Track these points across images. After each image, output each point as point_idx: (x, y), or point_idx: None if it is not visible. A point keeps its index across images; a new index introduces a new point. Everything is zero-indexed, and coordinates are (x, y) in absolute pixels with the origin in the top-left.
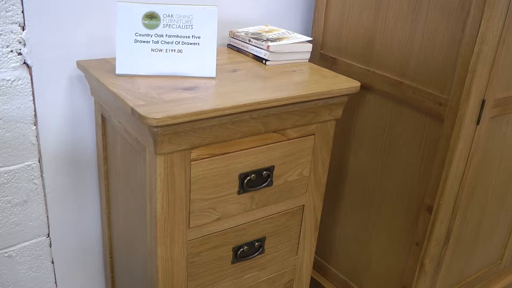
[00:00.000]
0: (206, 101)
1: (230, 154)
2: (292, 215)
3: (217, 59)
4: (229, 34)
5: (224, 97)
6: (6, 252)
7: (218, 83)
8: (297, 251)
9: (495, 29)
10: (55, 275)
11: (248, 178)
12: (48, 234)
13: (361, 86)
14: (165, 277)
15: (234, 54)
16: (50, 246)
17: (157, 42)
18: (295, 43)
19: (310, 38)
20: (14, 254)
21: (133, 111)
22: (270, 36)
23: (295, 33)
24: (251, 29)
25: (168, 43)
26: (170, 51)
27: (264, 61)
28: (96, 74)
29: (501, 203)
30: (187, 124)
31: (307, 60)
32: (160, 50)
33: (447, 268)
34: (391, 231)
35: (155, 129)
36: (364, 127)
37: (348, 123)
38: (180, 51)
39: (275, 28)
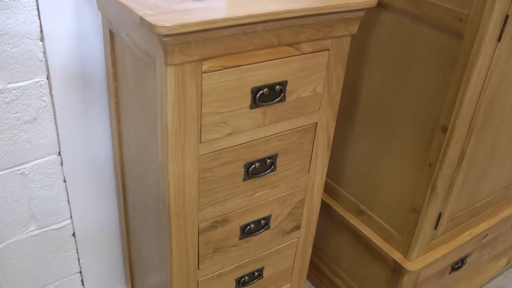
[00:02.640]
0: (218, 11)
1: (242, 67)
2: (304, 133)
3: None
4: None
5: (236, 7)
6: (19, 170)
7: None
8: (309, 170)
9: None
10: (67, 193)
11: (261, 92)
12: (59, 153)
13: (378, 4)
14: (176, 193)
15: None
16: (62, 165)
17: None
18: None
19: None
20: (26, 172)
21: (142, 20)
22: None
23: None
24: None
25: None
26: None
27: None
28: None
29: None
30: (198, 33)
31: None
32: None
33: (458, 191)
34: (404, 153)
35: (165, 39)
36: (379, 47)
37: (363, 43)
38: None
39: None
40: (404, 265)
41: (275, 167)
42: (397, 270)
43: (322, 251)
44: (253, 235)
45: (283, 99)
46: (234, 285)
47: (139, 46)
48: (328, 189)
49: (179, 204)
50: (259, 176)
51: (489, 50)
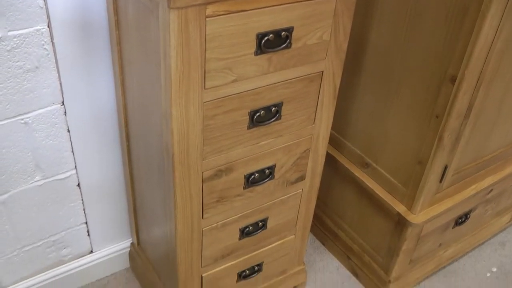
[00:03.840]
0: None
1: (247, 11)
2: (310, 81)
3: None
4: None
5: None
6: (23, 119)
7: None
8: (314, 120)
9: None
10: (71, 143)
11: (266, 38)
12: (63, 102)
13: None
14: (180, 140)
15: None
16: (65, 115)
17: None
18: None
19: None
20: (30, 121)
21: None
22: None
23: None
24: None
25: None
26: None
27: None
28: None
29: None
30: None
31: None
32: None
33: (465, 144)
34: (411, 105)
35: None
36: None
37: None
38: None
39: None
40: (408, 218)
41: (280, 116)
42: (401, 223)
43: (325, 204)
44: (257, 185)
45: (288, 46)
46: (238, 235)
47: None
48: (333, 141)
49: (182, 151)
50: (264, 125)
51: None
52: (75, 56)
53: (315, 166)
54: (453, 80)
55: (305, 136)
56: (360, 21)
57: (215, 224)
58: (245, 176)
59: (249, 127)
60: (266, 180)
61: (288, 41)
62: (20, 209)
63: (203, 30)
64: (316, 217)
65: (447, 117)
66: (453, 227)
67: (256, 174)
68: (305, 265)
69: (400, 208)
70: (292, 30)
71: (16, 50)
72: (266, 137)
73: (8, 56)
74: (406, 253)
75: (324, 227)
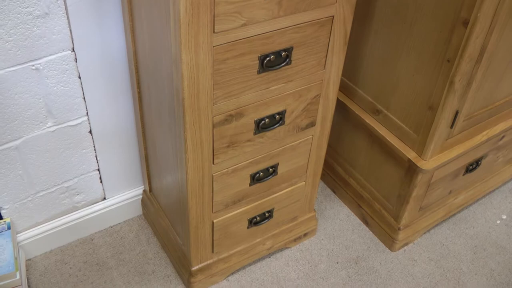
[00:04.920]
0: None
1: None
2: (321, 26)
3: None
4: None
5: None
6: (34, 65)
7: None
8: (324, 65)
9: None
10: (82, 90)
11: None
12: (73, 49)
13: None
14: (190, 84)
15: None
16: (76, 61)
17: None
18: None
19: None
20: (41, 67)
21: None
22: None
23: None
24: None
25: None
26: None
27: None
28: None
29: None
30: None
31: None
32: None
33: (476, 89)
34: (422, 50)
35: None
36: None
37: None
38: None
39: None
40: (418, 164)
41: (290, 60)
42: (411, 170)
43: (336, 152)
44: (268, 130)
45: None
46: (249, 181)
47: None
48: (344, 88)
49: (193, 96)
50: (274, 69)
51: None
52: (85, 2)
53: (326, 112)
54: (466, 23)
55: (316, 81)
56: None
57: (226, 170)
58: (255, 121)
59: (259, 72)
60: (276, 125)
61: None
62: (33, 155)
63: None
64: (327, 165)
65: (459, 61)
66: (464, 174)
67: (266, 120)
68: (315, 212)
69: (411, 154)
70: None
71: None
72: (276, 82)
73: (18, 2)
74: (416, 200)
75: (335, 175)
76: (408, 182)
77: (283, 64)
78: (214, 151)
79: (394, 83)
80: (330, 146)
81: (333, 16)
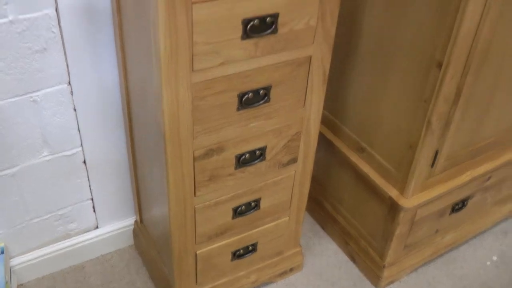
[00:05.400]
0: None
1: None
2: (299, 65)
3: None
4: None
5: None
6: (32, 97)
7: None
8: (304, 103)
9: None
10: (77, 121)
11: (252, 23)
12: (69, 82)
13: None
14: (171, 119)
15: None
16: (72, 94)
17: None
18: None
19: None
20: (38, 99)
21: None
22: None
23: None
24: None
25: None
26: None
27: None
28: None
29: None
30: None
31: None
32: None
33: (456, 129)
34: (401, 89)
35: None
36: None
37: None
38: None
39: None
40: (400, 202)
41: (269, 98)
42: (393, 207)
43: (324, 188)
44: (249, 165)
45: (275, 31)
46: (232, 214)
47: None
48: (330, 125)
49: (173, 130)
50: (253, 107)
51: None
52: (81, 39)
53: (308, 149)
54: (439, 65)
55: (296, 119)
56: (353, 3)
57: (208, 202)
58: (236, 156)
59: (238, 109)
60: (257, 161)
61: (273, 26)
62: (29, 182)
63: (190, 15)
64: (316, 201)
65: (435, 102)
66: (450, 214)
67: (247, 155)
68: (301, 248)
69: (393, 192)
70: (278, 16)
71: (25, 33)
72: (255, 119)
73: (19, 38)
74: (399, 238)
75: (324, 211)
76: (391, 220)
77: (261, 102)
78: (196, 184)
79: (377, 121)
80: (318, 182)
81: (310, 56)
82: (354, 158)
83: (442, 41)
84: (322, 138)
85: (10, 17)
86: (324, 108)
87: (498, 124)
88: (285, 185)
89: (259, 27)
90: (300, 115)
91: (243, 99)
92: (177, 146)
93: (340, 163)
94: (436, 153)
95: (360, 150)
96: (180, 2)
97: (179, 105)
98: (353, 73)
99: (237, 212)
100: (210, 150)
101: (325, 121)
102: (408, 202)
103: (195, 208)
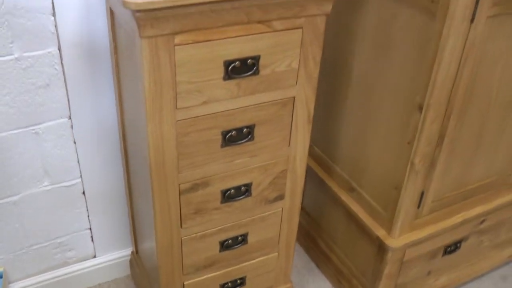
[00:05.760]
0: None
1: (213, 41)
2: (282, 106)
3: None
4: None
5: None
6: (34, 129)
7: None
8: (289, 142)
9: None
10: (77, 154)
11: (233, 65)
12: (70, 116)
13: None
14: (156, 154)
15: None
16: (72, 128)
17: None
18: None
19: None
20: (40, 132)
21: None
22: None
23: None
24: None
25: None
26: None
27: None
28: None
29: (506, 113)
30: (165, 10)
31: None
32: None
33: (442, 171)
34: (387, 131)
35: (137, 14)
36: (367, 27)
37: (353, 22)
38: None
39: None
40: (387, 242)
41: (252, 137)
42: (382, 247)
43: (320, 226)
44: (235, 201)
45: (256, 73)
46: (219, 247)
47: (127, 22)
48: (323, 164)
49: (159, 164)
50: (237, 144)
51: (461, 31)
52: (81, 76)
53: (295, 186)
54: (420, 108)
55: (281, 157)
56: (344, 48)
57: (194, 235)
58: (221, 191)
59: (222, 146)
60: (242, 196)
61: (255, 68)
62: (29, 210)
63: (173, 56)
64: (311, 238)
65: (417, 144)
66: (443, 255)
67: (232, 190)
68: (292, 284)
69: (380, 232)
70: (259, 58)
71: (30, 69)
72: (240, 156)
73: (23, 74)
74: (389, 278)
75: (318, 249)
76: (380, 259)
77: (245, 140)
78: (182, 216)
79: (365, 161)
80: (313, 219)
81: (294, 97)
82: (345, 197)
83: (422, 86)
84: (315, 176)
85: (16, 55)
86: (318, 147)
87: (489, 167)
88: (273, 221)
89: (240, 68)
90: (285, 154)
91: (227, 136)
92: (163, 179)
93: (332, 202)
94: (422, 194)
95: (351, 189)
96: (163, 44)
97: (164, 140)
98: (344, 114)
99: (224, 246)
100: (195, 184)
101: (318, 160)
102: (395, 242)
103: (181, 239)
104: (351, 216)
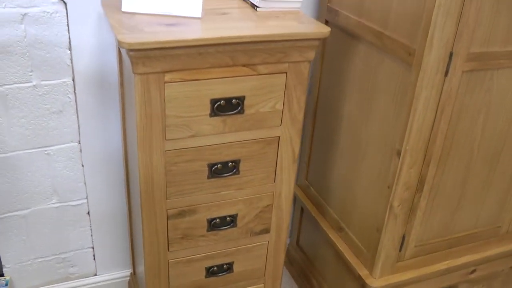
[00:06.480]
0: (177, 34)
1: (200, 81)
2: (267, 144)
3: (217, 4)
4: None
5: (194, 32)
6: (46, 150)
7: (200, 22)
8: (274, 179)
9: None
10: (84, 176)
11: (218, 103)
12: (79, 141)
13: (354, 36)
14: (146, 180)
15: (238, 2)
16: (81, 152)
17: None
18: None
19: None
20: (52, 153)
21: (115, 37)
22: None
23: None
24: None
25: None
26: None
27: (255, 7)
28: (106, 10)
29: (492, 165)
30: (156, 50)
31: (299, 9)
32: None
33: (425, 217)
34: (370, 175)
35: (130, 53)
36: (355, 74)
37: (343, 70)
38: None
39: None
40: (367, 281)
41: (238, 171)
42: (364, 287)
43: (312, 264)
44: (220, 230)
45: (241, 112)
46: (204, 273)
47: (127, 59)
48: (317, 204)
49: (148, 190)
50: (223, 177)
51: (435, 83)
52: (92, 105)
53: (280, 221)
54: (398, 153)
55: (266, 192)
56: (337, 94)
57: (181, 259)
58: (208, 220)
59: (209, 177)
60: (227, 226)
61: (240, 107)
62: (37, 225)
63: (163, 92)
64: (305, 276)
65: (395, 188)
66: None
67: (218, 220)
68: None
69: (363, 271)
70: (244, 99)
71: (46, 96)
72: (226, 188)
73: (39, 100)
74: None
75: (310, 286)
76: None
77: (230, 174)
78: (169, 240)
79: (352, 203)
80: (307, 257)
81: (279, 137)
82: (334, 236)
83: (401, 132)
84: (309, 215)
85: (34, 82)
86: (314, 187)
87: (476, 217)
88: (258, 253)
89: (225, 107)
90: (270, 190)
91: (213, 168)
92: (152, 203)
93: (324, 241)
94: (404, 238)
95: (340, 229)
96: (154, 81)
97: (153, 168)
98: (335, 157)
99: (210, 272)
100: (182, 211)
101: (313, 200)
102: (376, 282)
103: (168, 262)
104: (338, 255)
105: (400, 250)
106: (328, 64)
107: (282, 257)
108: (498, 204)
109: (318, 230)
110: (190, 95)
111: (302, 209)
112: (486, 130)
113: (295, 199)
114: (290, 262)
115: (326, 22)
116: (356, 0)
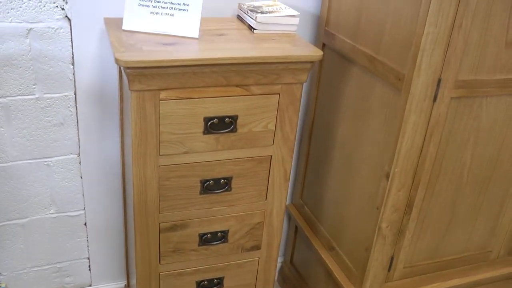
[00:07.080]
0: (174, 53)
1: (194, 99)
2: (259, 162)
3: (216, 26)
4: (238, 6)
5: (189, 52)
6: (46, 161)
7: (197, 42)
8: (266, 197)
9: (446, 14)
10: (82, 188)
11: (212, 122)
12: (79, 154)
13: (349, 60)
14: (139, 193)
15: (236, 23)
16: (80, 164)
17: (155, 6)
18: (281, 16)
19: (297, 13)
20: (51, 164)
21: (113, 54)
22: (266, 9)
23: (289, 8)
24: (256, 3)
25: (163, 8)
26: (164, 14)
27: (252, 30)
28: (108, 28)
29: (482, 190)
30: (152, 69)
31: (295, 32)
32: (157, 13)
33: (414, 239)
34: (360, 196)
35: (127, 70)
36: (349, 97)
37: (339, 93)
38: (172, 15)
39: (277, 3)
40: None
41: (230, 188)
42: None
43: (306, 283)
44: (212, 245)
45: (234, 130)
46: (195, 287)
47: (124, 76)
48: (310, 223)
49: (141, 203)
50: (215, 193)
51: (423, 108)
52: (92, 118)
53: (271, 239)
54: (387, 176)
55: (258, 209)
56: (332, 116)
57: (172, 272)
58: (199, 234)
59: (201, 193)
60: (219, 242)
61: (232, 126)
62: (35, 234)
63: (157, 109)
64: None
65: (384, 209)
66: None
67: (209, 235)
68: None
69: None
70: (237, 118)
71: (47, 108)
72: (218, 204)
73: (41, 112)
74: None
75: None
76: None
77: (222, 190)
78: (161, 253)
79: (343, 223)
80: (300, 276)
81: (271, 156)
82: (325, 255)
83: (390, 155)
84: (303, 234)
85: (37, 95)
86: (308, 206)
87: (466, 241)
88: (249, 269)
89: (218, 125)
90: (262, 207)
91: (205, 185)
92: (144, 216)
93: (316, 259)
94: (392, 258)
95: (331, 248)
96: (149, 98)
97: (147, 182)
98: (329, 177)
99: (201, 286)
100: (174, 224)
101: (307, 219)
102: None
103: (160, 274)
104: (329, 274)
105: (388, 270)
106: (325, 86)
107: (273, 274)
108: (488, 229)
109: (310, 248)
110: (184, 113)
111: (296, 228)
112: (475, 156)
113: (289, 217)
114: (283, 280)
115: (323, 45)
116: (352, 24)
